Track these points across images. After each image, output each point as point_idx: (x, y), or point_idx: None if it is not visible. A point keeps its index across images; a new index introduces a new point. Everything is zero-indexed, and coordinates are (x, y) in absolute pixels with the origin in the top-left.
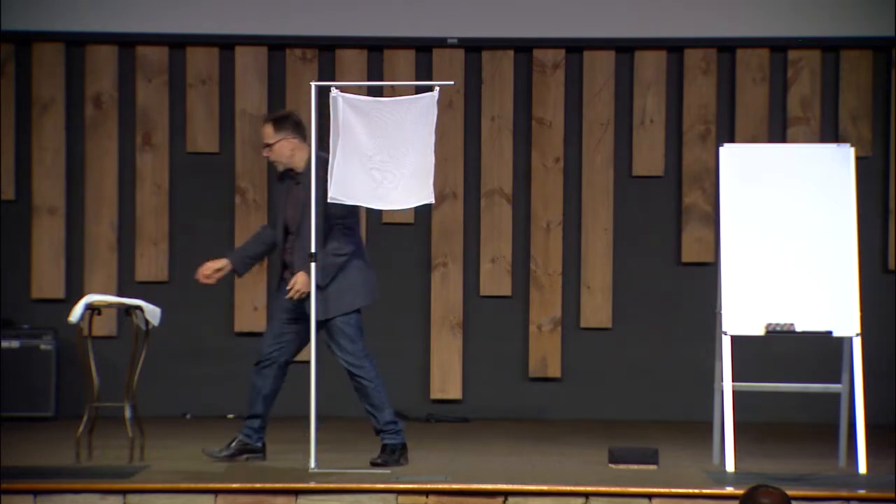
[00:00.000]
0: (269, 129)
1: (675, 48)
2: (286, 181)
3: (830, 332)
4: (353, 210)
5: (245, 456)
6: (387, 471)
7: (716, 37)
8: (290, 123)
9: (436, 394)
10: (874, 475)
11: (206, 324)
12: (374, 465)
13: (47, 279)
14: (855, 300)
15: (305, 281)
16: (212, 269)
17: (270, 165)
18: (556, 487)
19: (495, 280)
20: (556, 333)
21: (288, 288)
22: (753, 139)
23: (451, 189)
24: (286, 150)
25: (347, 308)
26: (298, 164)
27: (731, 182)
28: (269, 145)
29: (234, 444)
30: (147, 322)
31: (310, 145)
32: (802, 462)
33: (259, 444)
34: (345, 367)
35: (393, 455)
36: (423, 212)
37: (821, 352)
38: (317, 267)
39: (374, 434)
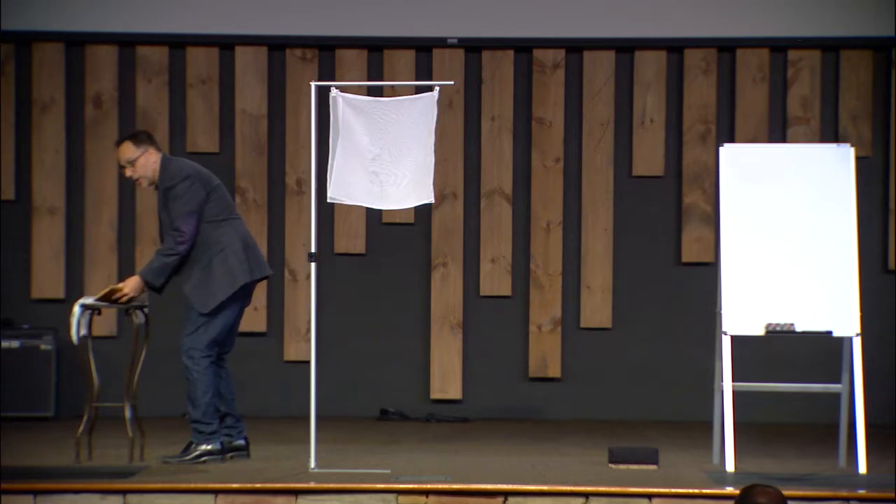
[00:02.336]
0: (129, 147)
1: (675, 48)
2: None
3: (830, 332)
4: (190, 213)
5: (230, 454)
6: (387, 471)
7: (716, 37)
8: (146, 137)
9: (436, 394)
10: (874, 475)
11: None
12: (165, 459)
13: (47, 279)
14: (855, 300)
15: (133, 285)
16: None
17: (271, 165)
18: (556, 487)
19: (495, 280)
20: (556, 333)
21: (109, 291)
22: (753, 139)
23: (451, 189)
24: (150, 164)
25: (219, 298)
26: (157, 174)
27: (731, 182)
28: (131, 162)
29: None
30: (147, 321)
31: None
32: (802, 462)
33: (241, 441)
34: (182, 348)
35: (186, 453)
36: (423, 212)
37: (821, 352)
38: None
39: (373, 433)
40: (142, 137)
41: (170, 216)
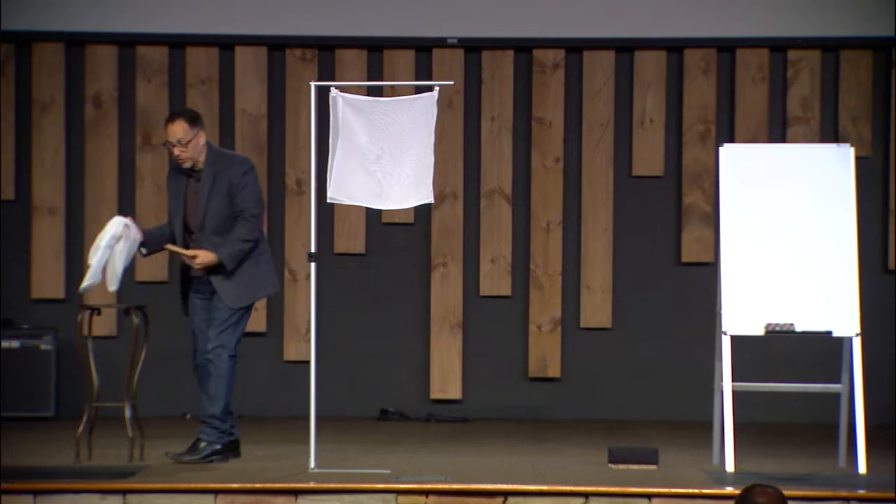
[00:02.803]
0: (183, 126)
1: (675, 48)
2: (184, 178)
3: (830, 332)
4: (261, 201)
5: (230, 452)
6: (387, 471)
7: (716, 37)
8: (199, 119)
9: (436, 394)
10: (874, 475)
11: None
12: (173, 456)
13: (47, 279)
14: (855, 300)
15: (208, 260)
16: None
17: (271, 165)
18: (556, 487)
19: (495, 280)
20: (556, 333)
21: (191, 255)
22: (753, 139)
23: (451, 189)
24: (199, 146)
25: (258, 296)
26: (201, 161)
27: (731, 182)
28: (183, 142)
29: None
30: (147, 321)
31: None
32: (802, 462)
33: (235, 438)
34: (208, 346)
35: (196, 452)
36: (423, 212)
37: (821, 352)
38: (230, 253)
39: (373, 433)
40: (196, 119)
41: (239, 204)
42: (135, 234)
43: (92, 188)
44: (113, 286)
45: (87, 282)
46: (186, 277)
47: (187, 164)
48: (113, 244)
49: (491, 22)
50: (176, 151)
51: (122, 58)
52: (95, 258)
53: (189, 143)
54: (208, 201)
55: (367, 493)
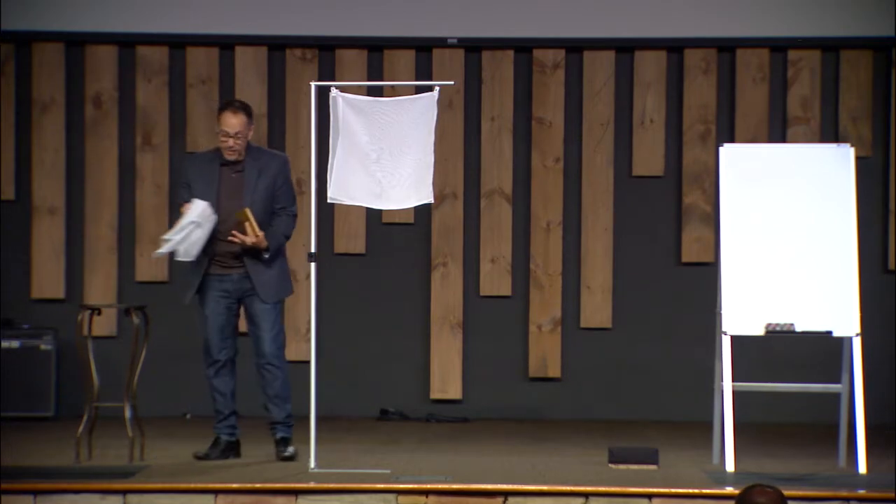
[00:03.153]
0: (243, 119)
1: (675, 48)
2: (216, 167)
3: (830, 332)
4: (296, 198)
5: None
6: (387, 471)
7: (716, 37)
8: (252, 113)
9: (436, 394)
10: (874, 475)
11: None
12: (285, 458)
13: (47, 279)
14: (855, 300)
15: (263, 245)
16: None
17: None
18: (556, 487)
19: (495, 280)
20: (556, 333)
21: (259, 233)
22: (753, 139)
23: (451, 189)
24: (246, 140)
25: (289, 292)
26: (243, 153)
27: (731, 182)
28: (240, 135)
29: (221, 445)
30: (147, 321)
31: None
32: (802, 462)
33: (236, 439)
34: (266, 351)
35: (291, 446)
36: (423, 212)
37: (821, 352)
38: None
39: (373, 433)
40: (252, 113)
41: (281, 200)
42: (213, 219)
43: (92, 188)
44: (183, 258)
45: (160, 251)
46: (208, 273)
47: (233, 156)
48: (195, 224)
49: (491, 22)
50: (230, 143)
51: (122, 58)
52: (178, 236)
53: (244, 136)
54: (253, 195)
55: (367, 493)
